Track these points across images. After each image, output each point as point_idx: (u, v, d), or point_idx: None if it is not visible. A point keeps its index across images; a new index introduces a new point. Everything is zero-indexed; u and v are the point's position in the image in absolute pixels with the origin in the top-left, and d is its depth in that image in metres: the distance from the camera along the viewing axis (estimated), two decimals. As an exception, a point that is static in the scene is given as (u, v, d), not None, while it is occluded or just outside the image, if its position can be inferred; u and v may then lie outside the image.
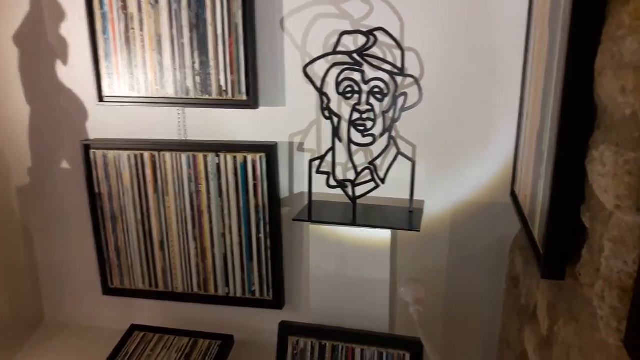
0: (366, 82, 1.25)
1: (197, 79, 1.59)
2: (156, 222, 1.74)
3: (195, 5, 1.53)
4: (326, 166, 1.48)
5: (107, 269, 1.83)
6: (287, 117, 1.61)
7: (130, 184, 1.72)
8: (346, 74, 1.28)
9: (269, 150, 1.61)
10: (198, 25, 1.55)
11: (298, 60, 1.56)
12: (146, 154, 1.68)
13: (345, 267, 1.33)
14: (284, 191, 1.68)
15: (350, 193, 1.36)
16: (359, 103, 1.25)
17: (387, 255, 1.30)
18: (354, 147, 1.38)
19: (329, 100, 1.26)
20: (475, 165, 1.52)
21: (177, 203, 1.71)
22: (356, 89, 1.24)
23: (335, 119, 1.27)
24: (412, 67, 1.44)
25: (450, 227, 1.56)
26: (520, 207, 1.24)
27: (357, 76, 1.32)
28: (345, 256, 1.32)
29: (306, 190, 1.65)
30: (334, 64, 1.26)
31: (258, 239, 1.68)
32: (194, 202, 1.70)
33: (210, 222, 1.70)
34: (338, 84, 1.26)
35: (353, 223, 1.29)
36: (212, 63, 1.57)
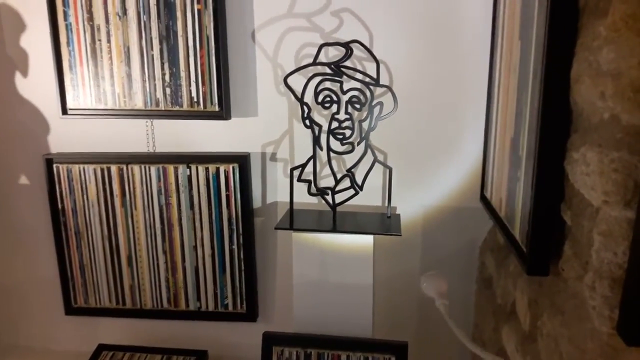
0: (344, 92, 1.29)
1: (167, 90, 1.57)
2: (124, 237, 1.69)
3: (165, 17, 1.52)
4: (303, 174, 1.50)
5: (70, 287, 1.75)
6: (259, 128, 1.62)
7: (96, 198, 1.66)
8: (324, 84, 1.30)
9: (242, 161, 1.61)
10: (168, 36, 1.54)
11: (270, 72, 1.58)
12: (113, 167, 1.64)
13: (328, 274, 1.34)
14: (256, 201, 1.68)
15: (330, 201, 1.39)
16: (337, 112, 1.28)
17: (370, 260, 1.32)
18: (331, 156, 1.40)
19: (309, 109, 1.28)
20: (444, 171, 1.58)
21: (146, 217, 1.67)
22: (335, 98, 1.27)
23: (316, 128, 1.30)
24: (381, 78, 1.49)
25: (422, 232, 1.62)
26: (493, 210, 1.30)
27: (334, 86, 1.34)
28: (327, 263, 1.33)
29: (279, 199, 1.67)
30: (315, 75, 1.29)
31: (231, 251, 1.67)
32: (164, 215, 1.66)
33: (181, 235, 1.67)
34: (317, 94, 1.28)
35: (337, 230, 1.31)
36: (182, 74, 1.56)
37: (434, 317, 1.70)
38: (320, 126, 1.30)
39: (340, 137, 1.30)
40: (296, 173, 1.41)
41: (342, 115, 1.28)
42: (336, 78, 1.29)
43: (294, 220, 1.40)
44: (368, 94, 1.29)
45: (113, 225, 1.68)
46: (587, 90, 0.83)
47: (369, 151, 1.33)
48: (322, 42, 1.53)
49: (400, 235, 1.31)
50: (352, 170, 1.35)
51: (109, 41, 1.55)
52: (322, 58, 1.53)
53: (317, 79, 1.34)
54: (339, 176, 1.37)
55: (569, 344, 0.87)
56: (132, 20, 1.53)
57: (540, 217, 0.95)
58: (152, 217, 1.67)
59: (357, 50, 1.52)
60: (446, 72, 1.52)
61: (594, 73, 0.81)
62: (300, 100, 1.28)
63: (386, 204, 1.59)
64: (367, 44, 1.52)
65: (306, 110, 1.28)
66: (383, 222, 1.40)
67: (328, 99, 1.27)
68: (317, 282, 1.34)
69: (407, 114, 1.51)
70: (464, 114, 1.54)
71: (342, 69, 1.29)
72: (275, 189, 1.67)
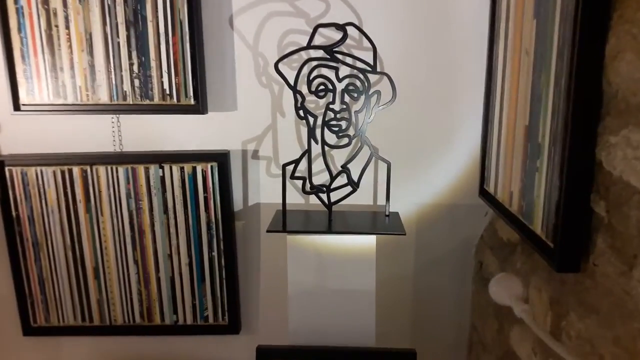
0: (340, 80, 1.17)
1: (136, 82, 1.41)
2: (89, 247, 1.52)
3: (133, 1, 1.37)
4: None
5: (28, 305, 1.56)
6: (239, 123, 1.49)
7: (56, 204, 1.49)
8: (318, 70, 1.19)
9: (221, 159, 1.47)
10: (136, 22, 1.38)
11: (250, 61, 1.45)
12: (75, 169, 1.46)
13: (326, 279, 1.23)
14: (237, 203, 1.54)
15: (325, 199, 1.27)
16: (332, 102, 1.17)
17: (373, 263, 1.22)
18: (325, 150, 1.28)
19: (303, 98, 1.16)
20: (438, 166, 1.50)
21: (114, 223, 1.50)
22: (330, 87, 1.16)
23: (311, 119, 1.18)
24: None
25: (415, 230, 1.52)
26: (500, 205, 1.22)
27: (328, 73, 1.23)
28: (326, 268, 1.22)
29: (262, 201, 1.54)
30: (309, 59, 1.17)
31: (210, 258, 1.53)
32: (135, 222, 1.50)
33: (154, 242, 1.52)
34: (309, 82, 1.16)
35: (337, 231, 1.19)
36: (153, 64, 1.40)
37: (429, 320, 1.62)
38: (315, 117, 1.18)
39: (336, 129, 1.18)
40: (289, 170, 1.28)
41: (337, 105, 1.17)
42: (332, 64, 1.17)
43: (286, 222, 1.27)
44: (365, 81, 1.19)
45: (76, 233, 1.51)
46: (630, 67, 0.75)
47: (366, 145, 1.22)
48: (307, 28, 1.41)
49: (405, 235, 1.21)
50: (348, 165, 1.24)
51: (67, 27, 1.38)
52: (303, 44, 1.42)
53: (310, 64, 1.21)
54: (333, 172, 1.25)
55: (614, 345, 0.79)
56: (95, 3, 1.37)
57: (571, 209, 0.86)
58: (121, 224, 1.50)
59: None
60: (440, 61, 1.43)
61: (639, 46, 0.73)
62: (294, 88, 1.15)
63: (377, 202, 1.49)
64: (354, 30, 1.41)
65: (300, 98, 1.16)
66: (382, 221, 1.30)
67: (322, 87, 1.15)
68: (314, 289, 1.22)
69: (398, 105, 1.40)
70: (458, 106, 1.46)
71: (337, 54, 1.18)
72: (258, 190, 1.54)
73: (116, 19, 1.38)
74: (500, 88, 1.23)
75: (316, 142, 1.20)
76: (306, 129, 1.38)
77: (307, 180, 1.24)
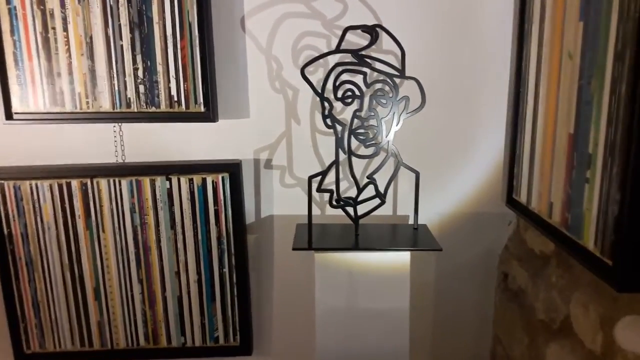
0: (369, 85, 1.10)
1: (141, 88, 1.32)
2: (89, 266, 1.41)
3: (138, 1, 1.27)
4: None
5: (21, 330, 1.44)
6: (251, 130, 1.40)
7: (53, 220, 1.37)
8: (345, 76, 1.11)
9: (233, 169, 1.38)
10: (141, 23, 1.29)
11: (263, 65, 1.37)
12: (74, 183, 1.36)
13: (357, 299, 1.15)
14: (249, 216, 1.45)
15: (352, 212, 1.19)
16: (360, 109, 1.09)
17: (407, 280, 1.14)
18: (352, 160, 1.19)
19: (331, 106, 1.08)
20: (460, 175, 1.43)
21: (116, 240, 1.40)
22: (357, 93, 1.08)
23: (339, 128, 1.10)
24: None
25: (437, 240, 1.45)
26: (535, 216, 1.16)
27: (353, 78, 1.15)
28: (356, 286, 1.14)
29: (276, 213, 1.46)
30: (337, 64, 1.09)
31: (221, 275, 1.43)
32: (139, 238, 1.40)
33: (161, 259, 1.42)
34: (335, 88, 1.09)
35: (372, 247, 1.11)
36: (160, 69, 1.31)
37: (450, 331, 1.55)
38: (343, 125, 1.10)
39: (363, 137, 1.11)
40: (315, 182, 1.19)
41: (365, 112, 1.10)
42: (362, 69, 1.10)
43: (310, 237, 1.18)
44: (394, 87, 1.11)
45: (75, 251, 1.40)
46: None
47: (393, 154, 1.15)
48: (324, 30, 1.34)
49: (441, 250, 1.14)
50: (374, 175, 1.17)
51: (65, 29, 1.28)
52: (322, 48, 1.35)
53: (336, 69, 1.14)
54: (358, 183, 1.17)
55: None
56: (95, 4, 1.27)
57: (634, 225, 0.81)
58: (125, 240, 1.40)
59: (362, 39, 1.34)
60: (460, 64, 1.36)
61: None
62: (321, 95, 1.08)
63: (397, 212, 1.42)
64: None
65: (327, 106, 1.08)
66: (413, 235, 1.23)
67: (349, 93, 1.08)
68: (344, 310, 1.14)
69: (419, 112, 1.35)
70: (479, 111, 1.40)
71: (366, 58, 1.10)
72: (271, 201, 1.45)
73: (119, 20, 1.28)
74: (534, 93, 1.17)
75: (344, 152, 1.12)
76: (327, 137, 1.32)
77: (335, 193, 1.16)
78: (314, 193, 1.43)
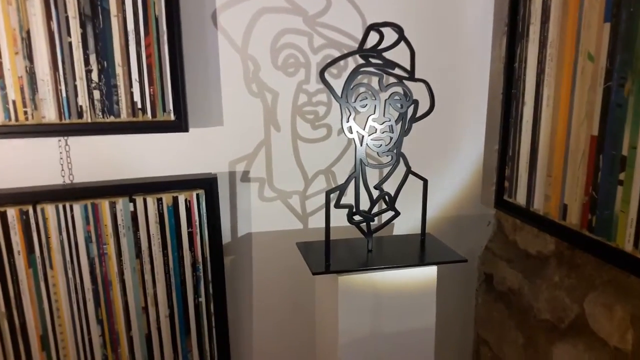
0: (385, 89, 1.00)
1: (96, 94, 1.10)
2: (33, 311, 1.15)
3: (90, -12, 1.05)
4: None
5: (-58, 400, 1.15)
6: (225, 140, 1.24)
7: (-17, 260, 1.10)
8: (360, 78, 1.00)
9: (208, 185, 1.21)
10: (95, 16, 1.07)
11: (238, 66, 1.21)
12: (12, 211, 1.10)
13: (382, 321, 1.04)
14: (224, 236, 1.29)
15: (365, 227, 1.08)
16: (374, 114, 0.99)
17: (433, 296, 1.07)
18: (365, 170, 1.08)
19: (350, 112, 0.96)
20: (440, 179, 1.40)
21: (68, 277, 1.16)
22: (373, 97, 0.98)
23: (359, 136, 0.98)
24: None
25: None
26: (539, 217, 1.15)
27: (367, 80, 1.05)
28: (380, 307, 1.03)
29: (254, 230, 1.31)
30: (359, 66, 0.98)
31: (197, 305, 1.25)
32: (97, 272, 1.17)
33: (124, 294, 1.20)
34: (348, 90, 0.97)
35: (400, 264, 1.01)
36: (119, 71, 1.10)
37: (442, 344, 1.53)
38: (364, 133, 0.99)
39: (379, 145, 1.01)
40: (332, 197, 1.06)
41: (380, 119, 1.00)
42: (385, 69, 1.00)
43: (321, 257, 1.05)
44: (408, 90, 1.03)
45: (15, 296, 1.13)
46: None
47: (401, 161, 1.07)
48: (305, 27, 1.22)
49: (467, 261, 1.09)
50: (382, 186, 1.08)
51: (-7, 22, 1.02)
52: (304, 45, 1.23)
53: (340, 70, 1.02)
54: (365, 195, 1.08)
55: None
56: (34, -9, 1.03)
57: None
58: (79, 277, 1.16)
59: (349, 39, 1.25)
60: (441, 66, 1.33)
61: None
62: (343, 101, 0.96)
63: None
64: (359, 31, 1.26)
65: (348, 113, 0.96)
66: (431, 246, 1.16)
67: (364, 97, 0.98)
68: (369, 334, 1.03)
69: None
70: (460, 115, 1.37)
71: (375, 59, 1.00)
72: (249, 217, 1.30)
73: (66, 12, 1.05)
74: (534, 95, 1.16)
75: (366, 164, 1.01)
76: (310, 145, 1.20)
77: (355, 209, 1.04)
78: (292, 203, 1.32)
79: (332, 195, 1.02)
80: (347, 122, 0.97)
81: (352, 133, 0.98)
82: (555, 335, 1.18)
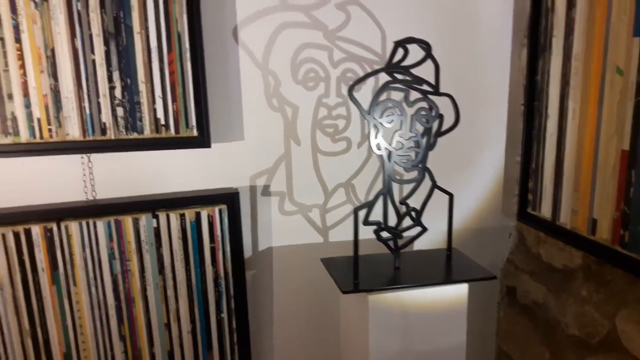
0: (411, 104, 1.00)
1: (119, 111, 1.10)
2: (57, 328, 1.15)
3: (114, 6, 1.06)
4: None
5: (-34, 418, 1.15)
6: (246, 155, 1.24)
7: (7, 277, 1.10)
8: (386, 94, 1.00)
9: (231, 200, 1.21)
10: (118, 33, 1.07)
11: (259, 81, 1.21)
12: (36, 229, 1.10)
13: (413, 341, 1.03)
14: (245, 250, 1.28)
15: (392, 243, 1.07)
16: (401, 130, 0.99)
17: (464, 314, 1.06)
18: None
19: (379, 129, 0.96)
20: (462, 191, 1.39)
21: (91, 293, 1.16)
22: (399, 112, 0.98)
23: (386, 152, 0.98)
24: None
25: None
26: (566, 232, 1.14)
27: (391, 96, 1.05)
28: (411, 327, 1.02)
29: (275, 244, 1.31)
30: (388, 83, 0.98)
31: (219, 321, 1.25)
32: (120, 288, 1.17)
33: (147, 311, 1.20)
34: (375, 106, 0.97)
35: (432, 282, 1.00)
36: (142, 88, 1.10)
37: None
38: (392, 149, 0.98)
39: (405, 161, 1.01)
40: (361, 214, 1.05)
41: (406, 134, 1.00)
42: (410, 85, 0.99)
43: (356, 275, 1.03)
44: (434, 105, 1.03)
45: (39, 313, 1.13)
46: None
47: (427, 176, 1.06)
48: (325, 42, 1.23)
49: (496, 278, 1.08)
50: (407, 201, 1.07)
51: (18, 40, 1.03)
52: (324, 60, 1.23)
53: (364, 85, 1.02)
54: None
55: None
56: (58, 8, 1.03)
57: None
58: (102, 293, 1.16)
59: (369, 52, 1.25)
60: (464, 79, 1.32)
61: None
62: (371, 117, 0.95)
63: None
64: (378, 44, 1.26)
65: (376, 129, 0.96)
66: (459, 262, 1.15)
67: (391, 113, 0.97)
68: (399, 354, 1.02)
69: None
70: (481, 125, 1.36)
71: (400, 74, 1.00)
72: (269, 231, 1.30)
73: (90, 29, 1.06)
74: (558, 108, 1.15)
75: (394, 180, 1.01)
76: (330, 158, 1.20)
77: (384, 225, 1.04)
78: (312, 216, 1.32)
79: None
80: (376, 138, 0.96)
81: (380, 150, 0.97)
82: (585, 350, 1.16)
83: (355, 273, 1.01)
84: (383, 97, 0.98)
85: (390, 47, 1.24)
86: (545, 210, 1.22)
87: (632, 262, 0.97)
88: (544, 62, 1.19)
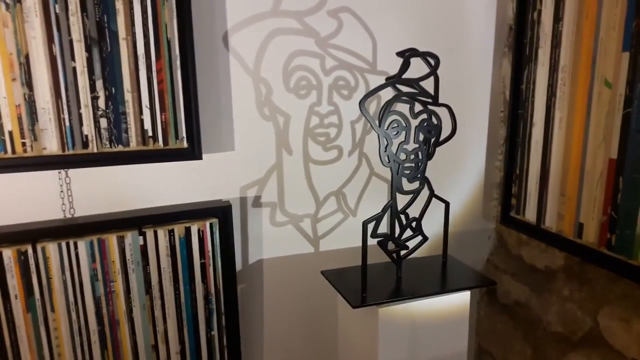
0: (416, 116, 0.99)
1: (103, 122, 1.02)
2: (32, 358, 1.05)
3: (96, 9, 0.97)
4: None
5: None
6: (237, 165, 1.19)
7: (-23, 308, 0.99)
8: (393, 105, 0.98)
9: (222, 213, 1.15)
10: (102, 39, 0.98)
11: (250, 89, 1.16)
12: (8, 252, 0.99)
13: (420, 351, 1.03)
14: (236, 264, 1.23)
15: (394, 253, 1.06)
16: (405, 141, 0.98)
17: (466, 322, 1.06)
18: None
19: (388, 142, 0.94)
20: (445, 195, 1.41)
21: (71, 319, 1.07)
22: (404, 124, 0.97)
23: (395, 165, 0.96)
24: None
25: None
26: (550, 235, 1.19)
27: (395, 107, 1.03)
28: (417, 336, 1.02)
29: (265, 256, 1.27)
30: (398, 95, 0.96)
31: (209, 339, 1.20)
32: (104, 311, 1.09)
33: (133, 333, 1.12)
34: (381, 118, 0.95)
35: (437, 292, 0.99)
36: (128, 97, 1.02)
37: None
38: (401, 162, 0.97)
39: (408, 172, 1.00)
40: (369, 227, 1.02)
41: (411, 145, 0.99)
42: (414, 97, 0.98)
43: (364, 288, 1.01)
44: (437, 116, 1.03)
45: (12, 343, 1.03)
46: None
47: (425, 185, 1.06)
48: (317, 49, 1.19)
49: (496, 284, 1.10)
50: (407, 210, 1.07)
51: (-13, 46, 0.92)
52: (316, 67, 1.20)
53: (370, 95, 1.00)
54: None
55: None
56: (33, 11, 0.93)
57: None
58: (84, 318, 1.07)
59: (360, 61, 1.23)
60: (447, 86, 1.33)
61: None
62: (381, 131, 0.93)
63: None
64: (369, 52, 1.24)
65: (387, 142, 0.94)
66: (457, 270, 1.15)
67: (395, 125, 0.96)
68: None
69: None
70: (463, 131, 1.39)
71: (403, 86, 0.99)
72: (260, 244, 1.25)
73: (69, 34, 0.96)
74: (544, 117, 1.19)
75: (400, 192, 1.00)
76: (321, 167, 1.18)
77: (392, 237, 1.03)
78: (304, 227, 1.29)
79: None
80: (385, 151, 0.95)
81: (389, 162, 0.96)
82: (567, 346, 1.22)
83: (363, 286, 1.00)
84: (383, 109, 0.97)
85: (381, 55, 1.25)
86: (530, 215, 1.26)
87: (616, 262, 1.02)
88: (529, 72, 1.23)
